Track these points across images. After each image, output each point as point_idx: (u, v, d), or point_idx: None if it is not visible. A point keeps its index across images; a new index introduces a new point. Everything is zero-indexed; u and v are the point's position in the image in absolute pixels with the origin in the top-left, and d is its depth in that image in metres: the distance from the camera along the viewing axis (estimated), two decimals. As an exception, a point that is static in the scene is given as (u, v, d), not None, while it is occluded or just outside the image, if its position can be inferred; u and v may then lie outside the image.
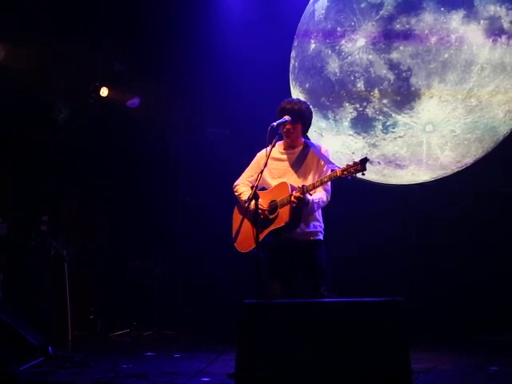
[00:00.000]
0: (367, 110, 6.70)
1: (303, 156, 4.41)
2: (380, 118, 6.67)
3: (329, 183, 4.26)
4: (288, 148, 4.48)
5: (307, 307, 3.28)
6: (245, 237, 4.37)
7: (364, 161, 3.88)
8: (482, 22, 6.27)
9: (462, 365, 5.17)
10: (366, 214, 6.77)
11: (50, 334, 5.61)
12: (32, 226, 6.82)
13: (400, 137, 6.65)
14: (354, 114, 6.78)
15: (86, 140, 7.65)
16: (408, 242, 6.78)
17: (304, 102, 4.52)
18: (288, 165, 4.43)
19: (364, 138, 6.79)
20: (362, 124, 6.78)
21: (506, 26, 6.27)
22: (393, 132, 6.66)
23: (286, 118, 4.33)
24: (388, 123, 6.65)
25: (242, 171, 4.70)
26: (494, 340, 6.04)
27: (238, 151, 7.31)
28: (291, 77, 7.33)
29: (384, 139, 6.71)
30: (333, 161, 4.31)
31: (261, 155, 4.57)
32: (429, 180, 6.78)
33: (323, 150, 4.40)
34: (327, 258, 4.35)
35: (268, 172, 4.45)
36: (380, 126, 6.68)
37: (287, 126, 4.34)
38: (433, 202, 6.75)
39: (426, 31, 6.36)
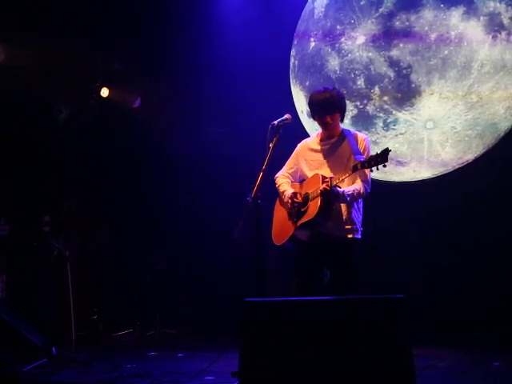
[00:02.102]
0: (368, 107, 6.70)
1: (337, 146, 4.31)
2: (381, 115, 6.67)
3: (368, 173, 4.17)
4: (325, 139, 4.39)
5: (308, 305, 3.29)
6: (279, 229, 4.34)
7: (385, 152, 3.80)
8: (481, 18, 6.27)
9: (462, 361, 5.18)
10: (367, 212, 6.75)
11: (52, 334, 5.62)
12: (34, 226, 6.82)
13: (401, 134, 6.66)
14: (355, 111, 6.78)
15: (86, 140, 7.64)
16: (409, 240, 6.77)
17: (333, 89, 4.42)
18: (323, 156, 4.33)
19: (365, 134, 6.78)
20: (363, 121, 6.77)
21: (505, 22, 6.27)
22: (394, 129, 6.66)
23: (286, 116, 4.30)
24: (389, 120, 6.65)
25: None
26: (494, 337, 6.04)
27: (238, 150, 7.33)
28: (291, 75, 7.33)
29: (385, 136, 6.71)
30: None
31: (301, 147, 4.51)
32: (430, 177, 6.78)
33: (360, 139, 4.29)
34: (356, 258, 4.22)
35: (306, 164, 4.40)
36: (381, 124, 6.69)
37: (327, 120, 4.26)
38: (434, 198, 6.75)
39: (426, 28, 6.36)
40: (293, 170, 4.48)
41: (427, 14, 6.36)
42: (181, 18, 7.54)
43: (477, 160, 6.63)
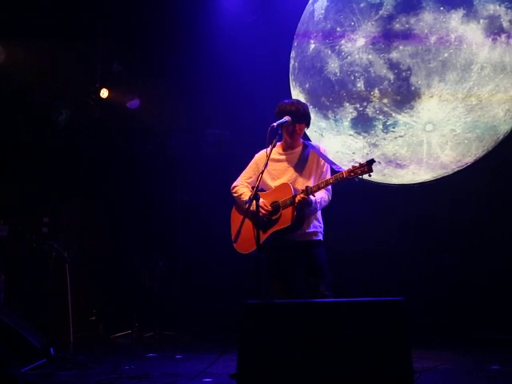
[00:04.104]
0: (367, 109, 6.70)
1: (304, 156, 4.42)
2: (380, 117, 6.67)
3: None
4: (287, 149, 4.49)
5: (307, 307, 3.29)
6: (245, 238, 4.37)
7: (370, 162, 3.91)
8: (481, 21, 6.27)
9: (462, 364, 5.18)
10: (367, 214, 6.77)
11: (51, 335, 5.61)
12: (33, 227, 6.82)
13: (400, 136, 6.65)
14: (355, 113, 6.78)
15: (85, 140, 7.65)
16: (408, 242, 6.77)
17: (304, 103, 4.56)
18: (287, 165, 4.44)
19: (364, 137, 6.79)
20: (363, 124, 6.78)
21: (505, 24, 6.27)
22: (393, 131, 6.66)
23: (287, 118, 4.33)
24: (388, 123, 6.65)
25: (241, 170, 4.70)
26: (494, 338, 6.04)
27: (237, 151, 7.32)
28: (291, 77, 7.33)
29: (384, 139, 6.71)
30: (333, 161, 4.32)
31: (259, 156, 4.59)
32: (429, 179, 6.78)
33: (322, 150, 4.42)
34: (326, 258, 4.36)
35: (267, 173, 4.46)
36: (380, 126, 6.69)
37: (295, 127, 4.36)
38: (433, 201, 6.75)
39: (426, 31, 6.36)
40: (252, 179, 4.57)
41: (427, 17, 6.37)
42: (181, 21, 7.56)
43: (476, 163, 6.63)
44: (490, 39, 6.26)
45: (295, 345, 3.16)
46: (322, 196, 4.27)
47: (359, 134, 6.80)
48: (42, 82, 7.24)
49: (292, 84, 7.30)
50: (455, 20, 6.32)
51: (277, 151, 4.51)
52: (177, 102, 7.66)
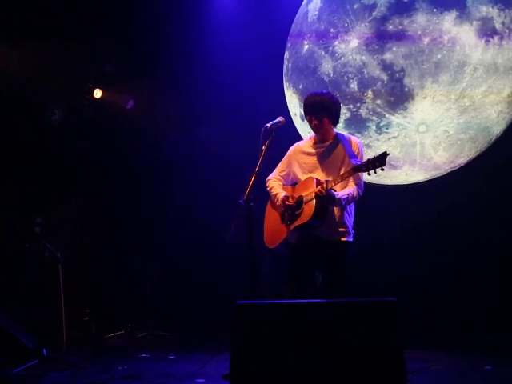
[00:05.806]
0: (361, 110, 6.71)
1: (331, 150, 4.33)
2: (374, 118, 6.68)
3: (361, 177, 4.19)
4: (318, 142, 4.41)
5: (300, 307, 3.29)
6: (273, 232, 4.34)
7: (383, 155, 3.82)
8: (474, 22, 6.29)
9: (455, 364, 5.20)
10: (360, 215, 6.75)
11: (44, 336, 5.59)
12: (26, 228, 6.79)
13: (394, 137, 6.67)
14: (348, 114, 6.79)
15: (80, 141, 7.63)
16: (401, 242, 6.79)
17: (327, 93, 4.42)
18: (316, 159, 4.34)
19: (358, 138, 6.79)
20: (356, 125, 6.78)
21: (498, 26, 6.30)
22: (386, 132, 6.67)
23: (279, 118, 4.32)
24: (382, 124, 6.66)
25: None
26: (487, 339, 6.06)
27: (231, 152, 7.33)
28: (285, 78, 7.33)
29: (378, 140, 6.72)
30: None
31: (293, 150, 4.53)
32: (422, 180, 6.80)
33: (354, 143, 4.30)
34: (349, 261, 4.23)
35: (299, 166, 4.41)
36: (374, 127, 6.70)
37: (314, 122, 4.30)
38: (426, 202, 6.77)
39: (419, 32, 6.37)
40: (285, 172, 4.49)
41: (420, 18, 6.38)
42: (175, 22, 7.54)
43: (469, 163, 6.65)
44: (483, 41, 6.29)
45: (288, 345, 3.16)
46: (349, 191, 4.12)
47: (352, 134, 6.75)
48: (36, 81, 7.21)
49: (286, 85, 7.31)
50: (448, 21, 6.34)
51: (309, 144, 4.45)
52: (170, 101, 7.65)
